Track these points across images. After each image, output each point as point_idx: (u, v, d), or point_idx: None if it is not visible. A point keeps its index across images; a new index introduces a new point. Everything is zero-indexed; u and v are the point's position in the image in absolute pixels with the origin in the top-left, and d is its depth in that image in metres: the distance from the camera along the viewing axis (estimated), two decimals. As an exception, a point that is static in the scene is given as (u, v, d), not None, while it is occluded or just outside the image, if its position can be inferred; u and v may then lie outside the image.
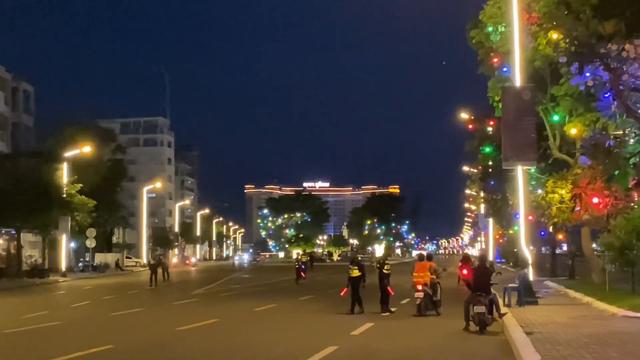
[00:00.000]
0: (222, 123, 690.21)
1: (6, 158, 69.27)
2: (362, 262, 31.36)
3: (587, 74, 29.87)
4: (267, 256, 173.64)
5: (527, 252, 31.11)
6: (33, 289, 51.62)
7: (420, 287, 26.57)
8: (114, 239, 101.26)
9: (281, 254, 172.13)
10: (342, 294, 28.46)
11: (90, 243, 75.98)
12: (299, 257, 62.32)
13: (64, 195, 67.24)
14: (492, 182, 62.51)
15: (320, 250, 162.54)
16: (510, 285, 27.92)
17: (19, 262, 66.74)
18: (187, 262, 76.41)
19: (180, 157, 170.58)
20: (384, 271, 28.51)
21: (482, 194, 79.00)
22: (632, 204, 29.99)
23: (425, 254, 32.00)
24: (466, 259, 46.38)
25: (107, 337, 20.93)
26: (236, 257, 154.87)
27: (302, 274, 51.37)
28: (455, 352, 17.73)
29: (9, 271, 62.13)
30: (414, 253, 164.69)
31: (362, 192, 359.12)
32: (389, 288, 28.55)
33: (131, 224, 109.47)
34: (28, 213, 62.39)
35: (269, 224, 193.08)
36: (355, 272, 28.10)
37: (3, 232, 69.27)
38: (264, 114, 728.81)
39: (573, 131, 34.16)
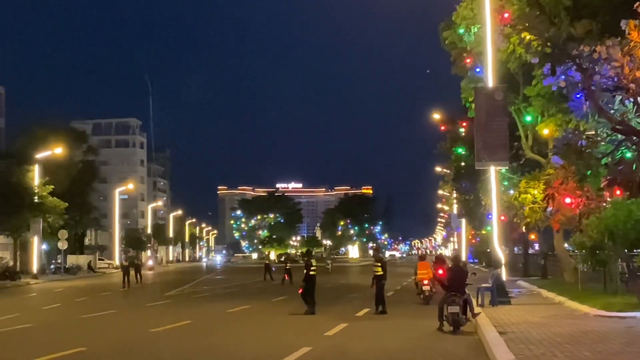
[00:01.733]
0: (193, 124, 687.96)
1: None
2: (385, 260, 31.25)
3: (560, 75, 29.98)
4: (240, 257, 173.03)
5: (500, 252, 31.24)
6: (4, 291, 51.21)
7: (426, 282, 30.52)
8: (86, 241, 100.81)
9: (254, 255, 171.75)
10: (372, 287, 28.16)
11: (62, 245, 75.57)
12: (285, 257, 62.30)
13: (35, 197, 66.94)
14: (465, 183, 62.77)
15: (293, 252, 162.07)
16: (483, 285, 27.98)
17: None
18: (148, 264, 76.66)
19: (153, 158, 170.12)
20: (377, 272, 28.28)
21: (454, 195, 79.47)
22: (604, 204, 30.11)
23: (423, 254, 33.31)
24: (440, 260, 46.51)
25: (79, 339, 20.74)
26: (204, 259, 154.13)
27: (286, 276, 50.90)
28: (429, 352, 17.73)
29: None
30: (388, 254, 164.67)
31: (335, 192, 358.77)
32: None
33: (103, 226, 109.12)
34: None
35: (242, 225, 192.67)
36: (379, 271, 27.94)
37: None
38: (237, 115, 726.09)
39: (545, 131, 34.38)
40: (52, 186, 69.66)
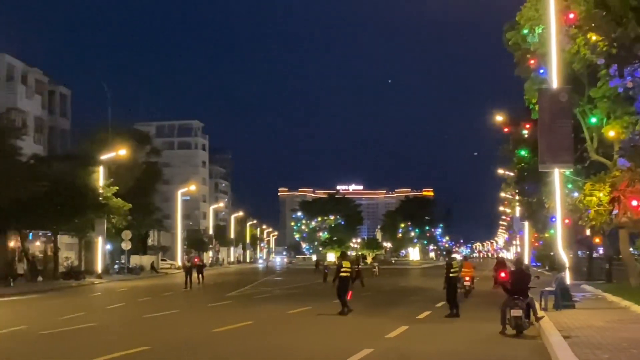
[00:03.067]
0: (255, 126, 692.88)
1: (43, 161, 69.71)
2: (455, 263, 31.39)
3: (627, 76, 29.61)
4: (300, 259, 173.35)
5: (563, 255, 30.93)
6: (69, 290, 52.03)
7: (467, 279, 32.92)
8: (149, 242, 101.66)
9: (314, 257, 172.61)
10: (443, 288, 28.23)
11: (126, 245, 76.53)
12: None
13: (100, 198, 67.77)
14: (528, 186, 62.09)
15: (353, 253, 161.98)
16: (547, 288, 27.73)
17: (55, 264, 67.33)
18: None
19: (214, 160, 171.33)
20: (452, 275, 28.22)
21: (517, 197, 78.51)
22: (671, 207, 29.61)
23: (465, 256, 33.76)
24: (502, 263, 46.24)
25: (142, 338, 21.00)
26: (260, 261, 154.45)
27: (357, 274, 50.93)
28: (492, 356, 17.61)
29: (45, 273, 62.69)
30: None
31: (395, 195, 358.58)
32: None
33: (166, 227, 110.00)
34: (64, 215, 62.92)
35: (303, 227, 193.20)
36: (453, 273, 27.97)
37: (40, 234, 69.89)
38: (298, 117, 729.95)
39: (611, 133, 33.87)
40: (117, 187, 70.44)
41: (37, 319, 28.27)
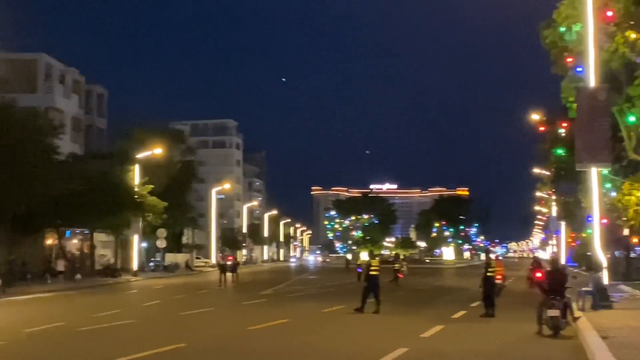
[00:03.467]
0: (289, 125, 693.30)
1: (80, 160, 70.33)
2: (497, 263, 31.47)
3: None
4: (334, 258, 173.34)
5: (601, 255, 30.65)
6: (105, 287, 52.46)
7: (499, 277, 29.76)
8: (184, 240, 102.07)
9: (349, 256, 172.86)
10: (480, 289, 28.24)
11: (161, 243, 77.04)
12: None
13: (136, 197, 68.17)
14: (565, 185, 61.63)
15: (387, 253, 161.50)
16: (584, 288, 27.57)
17: (92, 261, 67.98)
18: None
19: (248, 158, 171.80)
20: (489, 274, 28.15)
21: (553, 197, 78.00)
22: None
23: (497, 255, 33.77)
24: (537, 263, 46.02)
25: (178, 335, 21.14)
26: (292, 259, 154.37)
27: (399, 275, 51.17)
28: (528, 357, 17.56)
29: (82, 270, 63.20)
30: (483, 256, 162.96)
31: (429, 194, 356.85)
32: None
33: (200, 225, 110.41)
34: (101, 213, 63.32)
35: (336, 226, 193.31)
36: (491, 273, 27.91)
37: (77, 232, 70.49)
38: (332, 116, 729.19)
39: (651, 132, 33.56)
40: (152, 186, 70.86)
41: (75, 316, 28.57)
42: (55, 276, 56.23)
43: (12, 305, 35.63)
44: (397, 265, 53.67)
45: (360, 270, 56.60)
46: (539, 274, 33.01)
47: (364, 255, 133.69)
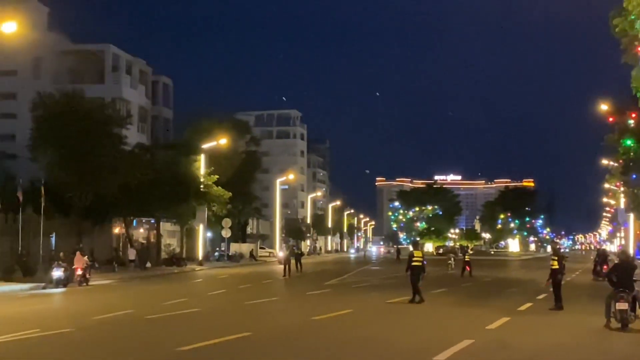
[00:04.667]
0: (353, 115, 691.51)
1: (146, 150, 71.21)
2: (563, 254, 31.17)
3: None
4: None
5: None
6: (171, 276, 53.14)
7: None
8: (248, 230, 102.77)
9: (410, 247, 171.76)
10: (545, 284, 28.13)
11: (226, 233, 77.74)
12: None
13: (201, 187, 68.81)
14: (634, 176, 60.69)
15: (451, 244, 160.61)
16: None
17: (158, 250, 68.86)
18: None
19: (312, 149, 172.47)
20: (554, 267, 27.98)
21: (622, 188, 76.86)
22: None
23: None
24: (603, 255, 45.47)
25: (244, 324, 21.29)
26: (352, 251, 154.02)
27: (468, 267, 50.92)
28: (596, 350, 17.37)
29: (149, 259, 64.03)
30: (549, 248, 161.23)
31: (495, 185, 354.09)
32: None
33: (264, 215, 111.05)
34: (167, 203, 64.12)
35: (400, 217, 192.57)
36: (556, 265, 27.73)
37: (143, 221, 71.48)
38: (394, 107, 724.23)
39: None
40: (217, 176, 71.38)
41: (143, 304, 29.02)
42: (122, 264, 57.14)
43: (81, 293, 36.31)
44: (467, 257, 53.30)
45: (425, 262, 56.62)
46: (605, 266, 32.57)
47: (429, 247, 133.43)
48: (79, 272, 41.29)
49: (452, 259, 68.49)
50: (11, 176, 53.86)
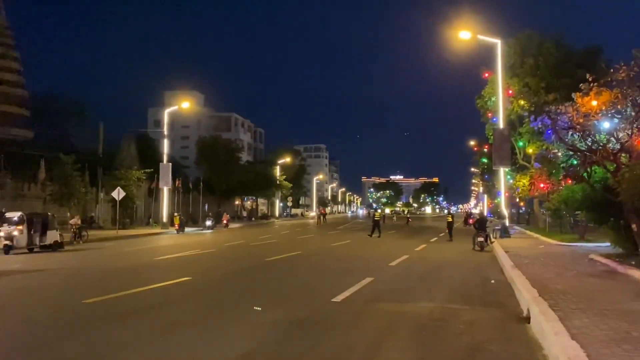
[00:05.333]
0: (354, 146, 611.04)
1: (251, 164, 71.83)
2: (453, 214, 31.24)
3: (538, 121, 28.37)
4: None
5: (504, 211, 30.00)
6: (262, 224, 53.12)
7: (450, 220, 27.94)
8: (300, 201, 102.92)
9: (379, 211, 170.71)
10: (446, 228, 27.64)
11: (289, 203, 77.99)
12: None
13: (277, 182, 69.21)
14: (487, 176, 60.50)
15: (398, 209, 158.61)
16: (496, 227, 26.99)
17: (256, 212, 69.12)
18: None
19: (331, 163, 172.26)
20: (449, 220, 27.77)
21: (481, 182, 76.58)
22: (561, 187, 28.37)
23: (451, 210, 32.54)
24: (469, 214, 45.19)
25: (297, 247, 21.33)
26: (349, 213, 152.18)
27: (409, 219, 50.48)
28: (470, 260, 17.28)
29: (251, 217, 64.38)
30: (446, 211, 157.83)
31: (419, 180, 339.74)
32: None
33: (308, 195, 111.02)
34: (261, 189, 64.54)
35: (373, 196, 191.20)
36: (450, 219, 28.18)
37: (250, 199, 71.93)
38: (370, 133, 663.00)
39: (530, 150, 32.64)
40: (285, 176, 71.84)
41: (249, 238, 29.07)
42: (240, 219, 57.47)
43: (218, 233, 36.63)
44: (408, 215, 53.43)
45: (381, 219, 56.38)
46: (470, 220, 32.22)
47: (387, 210, 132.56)
48: (224, 221, 42.06)
49: (395, 217, 68.24)
50: (186, 175, 54.38)
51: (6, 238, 18.99)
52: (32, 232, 19.71)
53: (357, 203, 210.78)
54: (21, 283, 11.90)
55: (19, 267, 14.95)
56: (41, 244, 20.04)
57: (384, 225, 32.74)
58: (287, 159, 75.04)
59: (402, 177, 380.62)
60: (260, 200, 75.61)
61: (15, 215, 19.77)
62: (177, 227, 34.78)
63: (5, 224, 19.34)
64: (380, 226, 29.48)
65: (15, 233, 19.16)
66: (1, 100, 40.45)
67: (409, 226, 47.26)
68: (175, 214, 37.78)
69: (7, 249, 18.81)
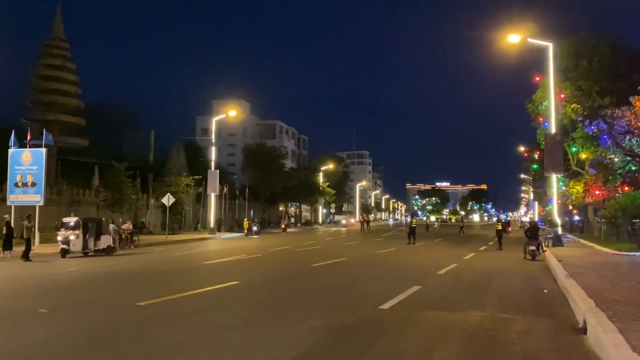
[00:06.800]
0: (400, 151, 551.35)
1: (295, 170, 72.45)
2: (503, 221, 31.09)
3: (592, 126, 27.48)
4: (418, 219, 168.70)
5: (557, 218, 29.05)
6: (307, 231, 53.35)
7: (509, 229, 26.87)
8: (344, 208, 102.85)
9: (424, 218, 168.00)
10: (495, 237, 27.71)
11: (333, 210, 78.02)
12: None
13: (321, 188, 69.45)
14: (538, 184, 58.99)
15: (445, 217, 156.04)
16: (548, 236, 26.20)
17: (300, 218, 69.57)
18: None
19: (375, 169, 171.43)
20: (499, 227, 27.33)
21: (531, 189, 74.35)
22: (618, 194, 27.24)
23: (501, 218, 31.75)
24: (507, 223, 44.27)
25: (342, 254, 21.35)
26: (390, 221, 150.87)
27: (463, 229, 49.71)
28: (522, 269, 16.83)
29: (295, 223, 64.75)
30: (495, 219, 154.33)
31: (466, 187, 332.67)
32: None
33: (351, 202, 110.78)
34: (305, 196, 65.01)
35: (418, 203, 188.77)
36: (499, 227, 27.86)
37: (294, 204, 72.47)
38: (423, 142, 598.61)
39: (584, 156, 31.55)
40: (327, 182, 72.01)
41: (294, 243, 29.34)
42: (287, 225, 58.01)
43: (264, 238, 37.01)
44: (462, 224, 52.64)
45: (437, 225, 55.55)
46: (521, 227, 31.33)
47: (432, 218, 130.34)
48: (282, 226, 43.20)
49: (437, 224, 67.16)
50: (232, 182, 55.47)
51: (63, 242, 19.96)
52: (87, 237, 20.60)
53: (401, 210, 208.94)
54: (77, 286, 12.47)
55: (75, 269, 15.67)
56: (95, 248, 20.90)
57: (429, 234, 32.35)
58: (330, 166, 75.28)
59: (448, 184, 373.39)
60: (304, 207, 76.11)
61: (71, 220, 20.74)
62: (245, 231, 39.85)
63: (62, 229, 20.32)
64: (416, 234, 29.43)
65: (72, 237, 20.09)
66: (59, 110, 42.50)
67: (461, 235, 46.27)
68: (245, 219, 43.45)
69: (64, 253, 19.74)
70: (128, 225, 25.93)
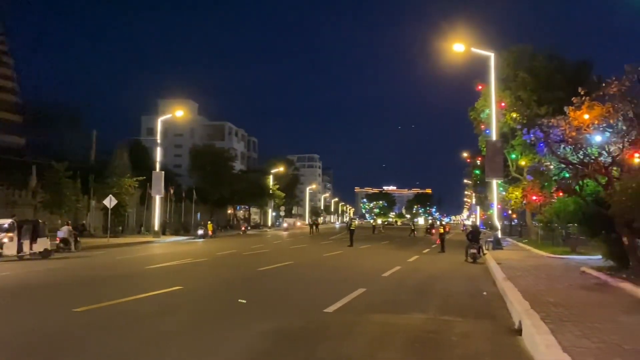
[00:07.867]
0: (350, 155, 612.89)
1: (244, 173, 71.64)
2: (445, 225, 31.74)
3: (531, 134, 28.66)
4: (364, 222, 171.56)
5: (497, 223, 30.14)
6: (255, 234, 52.94)
7: (433, 232, 27.75)
8: (293, 211, 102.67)
9: (371, 221, 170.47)
10: (437, 240, 28.30)
11: (282, 213, 77.73)
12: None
13: (270, 191, 69.05)
14: (480, 188, 60.93)
15: (391, 220, 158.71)
16: (488, 239, 27.09)
17: (249, 221, 68.80)
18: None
19: (324, 172, 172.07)
20: (441, 231, 28.03)
21: (474, 194, 76.87)
22: (553, 200, 28.57)
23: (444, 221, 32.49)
24: (432, 225, 45.43)
25: (290, 258, 21.24)
26: (337, 223, 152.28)
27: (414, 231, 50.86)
28: (463, 272, 17.33)
29: (256, 226, 63.96)
30: (438, 222, 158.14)
31: (412, 191, 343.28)
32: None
33: (301, 205, 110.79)
34: (254, 198, 64.38)
35: (366, 206, 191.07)
36: (441, 230, 28.30)
37: (243, 207, 71.66)
38: (370, 148, 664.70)
39: (522, 163, 32.90)
40: (277, 185, 71.70)
41: (241, 247, 28.96)
42: (231, 228, 57.13)
43: (212, 242, 36.42)
44: (413, 227, 53.78)
45: (379, 227, 56.01)
46: (433, 230, 32.12)
47: (379, 221, 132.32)
48: (210, 232, 41.55)
49: (382, 227, 68.20)
50: (178, 184, 54.26)
51: (-5, 245, 18.83)
52: (22, 240, 19.54)
53: (349, 213, 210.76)
54: (9, 291, 11.76)
55: (7, 274, 14.79)
56: (31, 251, 19.86)
57: (375, 236, 32.80)
58: (281, 169, 75.08)
59: (395, 187, 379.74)
60: (253, 210, 75.45)
61: (5, 222, 19.60)
62: (210, 233, 40.50)
63: (-5, 231, 19.18)
64: (353, 236, 30.79)
65: (5, 240, 19.00)
66: (-7, 106, 40.17)
67: (410, 237, 47.05)
68: (209, 221, 44.13)
69: (-4, 256, 18.63)
70: (69, 228, 24.78)
